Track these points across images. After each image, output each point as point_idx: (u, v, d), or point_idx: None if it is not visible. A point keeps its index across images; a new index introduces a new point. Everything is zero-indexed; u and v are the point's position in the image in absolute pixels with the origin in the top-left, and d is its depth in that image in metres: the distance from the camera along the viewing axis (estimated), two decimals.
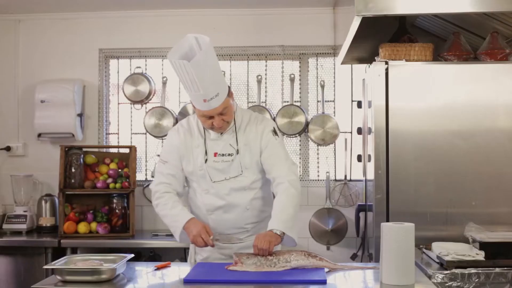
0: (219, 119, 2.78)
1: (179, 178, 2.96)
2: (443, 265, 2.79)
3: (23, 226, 4.52)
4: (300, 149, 4.78)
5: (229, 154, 2.87)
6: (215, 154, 2.88)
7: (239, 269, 2.60)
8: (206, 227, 2.78)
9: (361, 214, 3.98)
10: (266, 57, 4.83)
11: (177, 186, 2.97)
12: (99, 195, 4.56)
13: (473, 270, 2.72)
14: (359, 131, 4.12)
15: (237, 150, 2.86)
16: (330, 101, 4.80)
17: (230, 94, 2.82)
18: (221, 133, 2.89)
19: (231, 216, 2.90)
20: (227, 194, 2.88)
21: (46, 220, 4.60)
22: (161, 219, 4.76)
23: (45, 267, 2.64)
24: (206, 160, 2.88)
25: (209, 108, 2.75)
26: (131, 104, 4.89)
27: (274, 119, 4.59)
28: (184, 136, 2.96)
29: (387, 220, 3.35)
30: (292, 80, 4.77)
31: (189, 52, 2.65)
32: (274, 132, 2.90)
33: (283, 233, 2.69)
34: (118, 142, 4.93)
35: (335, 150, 4.77)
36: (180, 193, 2.99)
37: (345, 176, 4.69)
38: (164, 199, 2.91)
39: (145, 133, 4.86)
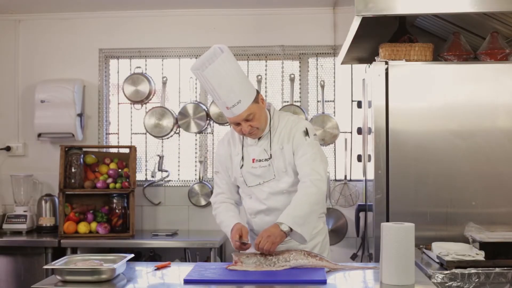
0: (246, 125, 2.78)
1: (233, 185, 3.03)
2: (443, 265, 2.79)
3: (23, 226, 4.53)
4: None
5: (265, 160, 2.88)
6: (253, 160, 2.90)
7: (239, 269, 2.60)
8: (241, 230, 2.78)
9: (361, 214, 3.98)
10: (266, 57, 4.83)
11: (233, 194, 3.04)
12: (99, 195, 4.56)
13: (473, 270, 2.72)
14: (359, 131, 4.12)
15: (270, 155, 2.87)
16: (330, 101, 4.80)
17: (258, 100, 2.81)
18: (258, 139, 2.90)
19: (273, 219, 2.86)
20: (265, 198, 2.90)
21: (46, 220, 4.61)
22: (161, 219, 4.84)
23: (45, 267, 2.65)
24: (241, 166, 2.92)
25: (232, 115, 2.77)
26: (131, 104, 4.89)
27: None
28: (228, 144, 3.01)
29: (387, 220, 3.35)
30: (292, 80, 4.77)
31: (208, 61, 2.68)
32: (306, 132, 2.87)
33: (291, 229, 2.67)
34: (118, 142, 4.94)
35: (335, 150, 4.77)
36: (238, 200, 3.06)
37: (345, 176, 4.69)
38: (219, 209, 3.00)
39: (145, 133, 4.86)
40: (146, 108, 4.87)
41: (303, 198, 2.74)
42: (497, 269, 2.72)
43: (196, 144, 4.88)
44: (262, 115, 2.83)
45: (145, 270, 2.74)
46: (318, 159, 2.84)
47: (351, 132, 4.72)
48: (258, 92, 2.84)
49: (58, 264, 2.55)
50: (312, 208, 2.75)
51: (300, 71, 4.83)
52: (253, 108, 2.77)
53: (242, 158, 2.92)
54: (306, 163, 2.80)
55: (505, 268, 2.72)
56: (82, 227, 4.40)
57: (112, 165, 4.64)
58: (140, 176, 4.85)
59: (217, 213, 3.00)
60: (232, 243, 2.79)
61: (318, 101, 4.79)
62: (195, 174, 4.86)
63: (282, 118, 2.94)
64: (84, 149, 4.63)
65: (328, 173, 4.63)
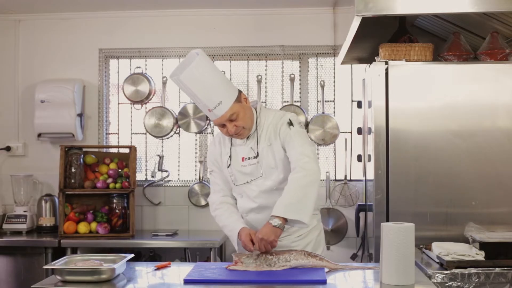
0: (231, 126, 2.79)
1: (229, 183, 3.02)
2: (443, 265, 2.79)
3: (23, 226, 4.53)
4: None
5: (254, 157, 2.88)
6: (243, 159, 2.90)
7: (239, 269, 2.60)
8: (250, 234, 2.76)
9: (361, 214, 3.98)
10: (266, 57, 4.83)
11: (230, 191, 3.03)
12: (99, 195, 4.56)
13: (473, 270, 2.72)
14: (359, 131, 4.12)
15: (257, 153, 2.87)
16: (330, 101, 4.80)
17: (240, 99, 2.81)
18: (247, 138, 2.90)
19: (265, 217, 2.84)
20: (256, 196, 2.90)
21: (46, 220, 4.60)
22: (161, 219, 4.84)
23: (45, 267, 2.65)
24: (228, 166, 2.93)
25: (215, 117, 2.78)
26: (131, 104, 4.89)
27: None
28: (219, 145, 3.02)
29: (387, 220, 3.35)
30: (292, 80, 4.77)
31: (184, 66, 2.71)
32: (290, 123, 2.85)
33: (285, 219, 2.65)
34: (118, 142, 4.94)
35: (335, 150, 4.77)
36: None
37: (345, 176, 4.69)
38: (220, 211, 2.99)
39: (145, 133, 4.86)
40: (146, 108, 4.87)
41: (293, 185, 2.71)
42: (497, 269, 2.72)
43: (196, 144, 4.88)
44: (246, 114, 2.83)
45: (145, 270, 2.74)
46: (305, 144, 2.82)
47: (351, 132, 4.72)
48: (240, 92, 2.84)
49: (58, 264, 2.55)
50: (306, 190, 2.69)
51: (300, 71, 4.83)
52: (235, 108, 2.77)
53: (230, 157, 2.92)
54: (294, 151, 2.79)
55: (505, 268, 2.72)
56: (82, 227, 4.40)
57: (112, 165, 4.64)
58: (140, 176, 4.84)
59: (218, 215, 2.99)
60: (246, 248, 2.75)
61: (318, 101, 4.79)
62: (195, 174, 4.86)
63: (269, 114, 2.94)
64: (84, 149, 4.63)
65: (327, 172, 4.68)
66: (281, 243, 2.87)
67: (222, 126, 2.82)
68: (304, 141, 2.83)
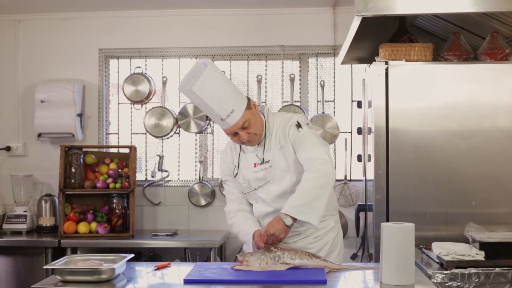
0: (243, 133, 2.79)
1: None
2: (443, 265, 2.79)
3: (23, 226, 4.53)
4: None
5: (266, 162, 2.89)
6: (255, 165, 2.90)
7: (244, 269, 2.60)
8: (262, 234, 2.75)
9: (361, 214, 3.98)
10: (266, 57, 4.83)
11: (245, 198, 3.03)
12: (99, 195, 4.56)
13: (473, 270, 2.72)
14: (359, 131, 4.12)
15: (262, 159, 2.88)
16: (330, 101, 4.80)
17: (250, 106, 2.82)
18: (258, 144, 2.90)
19: None
20: (271, 200, 2.90)
21: (46, 220, 4.60)
22: (161, 219, 4.84)
23: (45, 267, 2.64)
24: (235, 175, 2.94)
25: (228, 126, 2.78)
26: (131, 104, 4.89)
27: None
28: (230, 152, 3.02)
29: (387, 220, 3.35)
30: (292, 80, 4.77)
31: (193, 77, 2.70)
32: (298, 125, 2.85)
33: (294, 218, 2.64)
34: (118, 142, 4.94)
35: (335, 150, 4.77)
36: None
37: (345, 176, 4.69)
38: (236, 218, 2.99)
39: (145, 133, 4.86)
40: (146, 108, 4.87)
41: (306, 186, 2.69)
42: (497, 269, 2.72)
43: (196, 144, 4.88)
44: (257, 121, 2.84)
45: (145, 270, 2.74)
46: (317, 144, 2.80)
47: (351, 132, 4.73)
48: (249, 99, 2.85)
49: (58, 264, 2.55)
50: (318, 192, 2.67)
51: (300, 71, 4.83)
52: (247, 115, 2.78)
53: (237, 167, 2.94)
54: (305, 153, 2.78)
55: (505, 268, 2.72)
56: (82, 227, 4.40)
57: (112, 165, 4.64)
58: (140, 176, 4.85)
59: (234, 222, 2.99)
60: (259, 248, 2.73)
61: (318, 101, 4.79)
62: (195, 174, 4.86)
63: (276, 118, 2.94)
64: (84, 149, 4.63)
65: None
66: (298, 245, 2.88)
67: (233, 134, 2.82)
68: (315, 142, 2.81)
